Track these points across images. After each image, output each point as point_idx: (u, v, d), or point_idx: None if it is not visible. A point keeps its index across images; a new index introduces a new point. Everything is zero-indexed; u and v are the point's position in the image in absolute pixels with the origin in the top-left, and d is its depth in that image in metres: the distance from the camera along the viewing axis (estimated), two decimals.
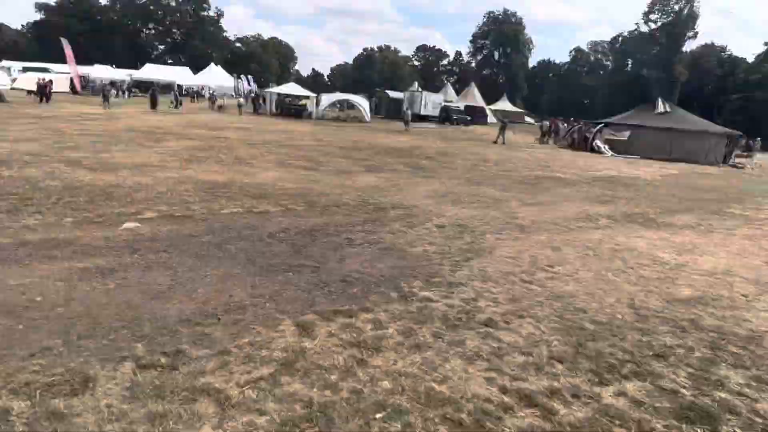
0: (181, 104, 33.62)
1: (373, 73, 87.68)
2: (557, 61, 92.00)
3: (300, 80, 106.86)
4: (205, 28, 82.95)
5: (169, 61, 77.88)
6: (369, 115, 36.00)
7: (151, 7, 79.74)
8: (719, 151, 23.31)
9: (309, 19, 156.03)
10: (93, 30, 77.90)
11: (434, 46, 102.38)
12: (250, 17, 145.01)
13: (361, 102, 36.94)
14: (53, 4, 79.15)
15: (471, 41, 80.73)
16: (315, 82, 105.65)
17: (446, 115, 42.09)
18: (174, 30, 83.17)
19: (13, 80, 38.44)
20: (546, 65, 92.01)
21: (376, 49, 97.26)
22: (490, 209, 7.94)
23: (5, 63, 53.63)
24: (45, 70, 46.56)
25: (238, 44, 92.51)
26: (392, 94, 45.77)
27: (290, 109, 33.70)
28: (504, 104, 59.90)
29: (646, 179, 14.47)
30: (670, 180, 14.89)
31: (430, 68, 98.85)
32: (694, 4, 63.73)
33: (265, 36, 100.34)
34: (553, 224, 7.22)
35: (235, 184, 8.08)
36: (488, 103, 58.34)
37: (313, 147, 15.35)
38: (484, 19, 77.62)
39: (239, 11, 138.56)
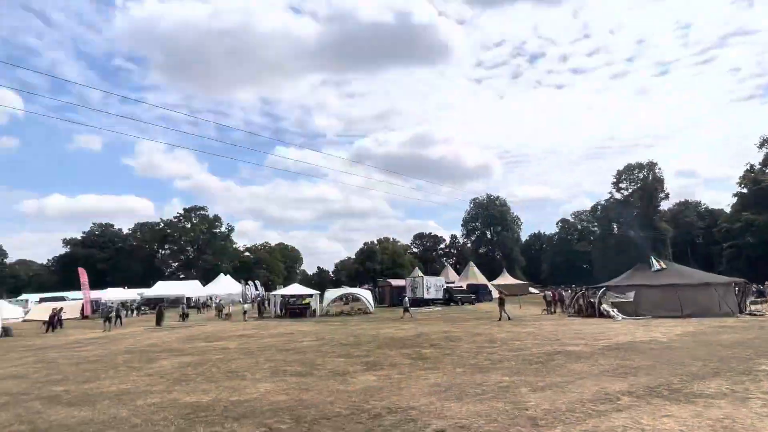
0: (187, 317, 34.02)
1: (376, 264, 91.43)
2: (547, 233, 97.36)
3: (306, 279, 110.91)
4: (217, 243, 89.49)
5: (182, 276, 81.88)
6: (373, 305, 36.15)
7: (168, 230, 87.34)
8: (731, 301, 22.66)
9: (313, 224, 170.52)
10: (113, 256, 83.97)
11: (430, 233, 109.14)
12: (259, 228, 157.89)
13: (364, 294, 37.53)
14: (79, 238, 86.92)
15: (463, 225, 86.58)
16: (320, 279, 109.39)
17: (450, 296, 42.33)
18: (188, 248, 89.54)
19: (26, 312, 39.64)
20: (537, 237, 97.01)
21: (376, 242, 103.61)
22: (498, 401, 7.22)
23: (23, 296, 56.18)
24: (61, 298, 48.54)
25: (246, 253, 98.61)
26: (395, 282, 46.82)
27: (295, 310, 34.01)
28: (505, 279, 60.93)
29: (663, 341, 13.66)
30: (688, 339, 14.04)
31: (429, 253, 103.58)
32: (656, 171, 70.53)
33: (273, 243, 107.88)
34: (569, 412, 6.46)
35: (219, 405, 7.50)
36: (490, 279, 59.38)
37: (313, 347, 14.89)
38: (471, 205, 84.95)
39: (249, 224, 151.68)
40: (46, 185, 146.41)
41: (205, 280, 71.06)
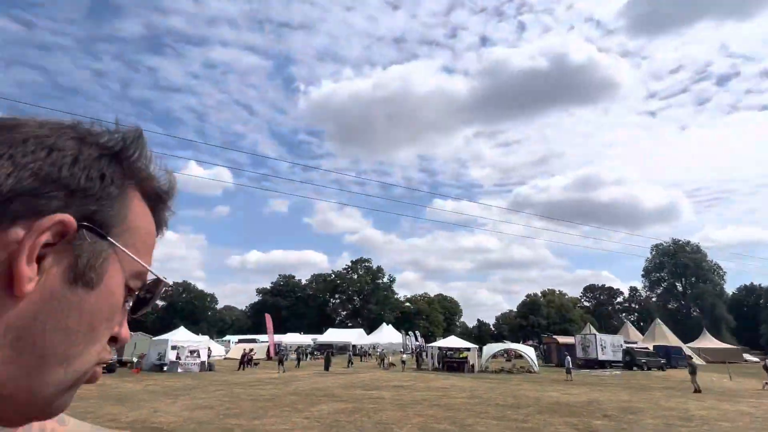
0: (352, 363, 35.93)
1: (540, 319, 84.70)
2: (764, 284, 78.01)
3: (466, 331, 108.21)
4: (380, 293, 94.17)
5: (349, 324, 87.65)
6: (536, 364, 33.12)
7: (338, 281, 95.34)
8: None
9: (472, 274, 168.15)
10: (294, 304, 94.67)
11: (603, 285, 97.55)
12: (419, 279, 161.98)
13: (526, 350, 34.74)
14: (268, 287, 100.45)
15: (644, 275, 75.21)
16: (480, 332, 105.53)
17: (631, 359, 36.42)
18: (354, 297, 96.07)
19: (227, 351, 46.79)
20: (750, 291, 78.38)
21: (540, 294, 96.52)
22: None
23: (227, 337, 66.50)
24: (253, 340, 56.04)
25: (407, 303, 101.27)
26: (562, 339, 42.46)
27: (452, 363, 33.18)
28: (707, 341, 50.14)
29: None
30: None
31: (604, 308, 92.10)
32: None
33: (432, 294, 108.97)
34: None
35: None
36: (684, 341, 49.67)
37: (466, 405, 14.10)
38: (653, 252, 73.56)
39: (410, 276, 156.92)
40: (248, 243, 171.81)
41: (369, 328, 74.76)
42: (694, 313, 64.87)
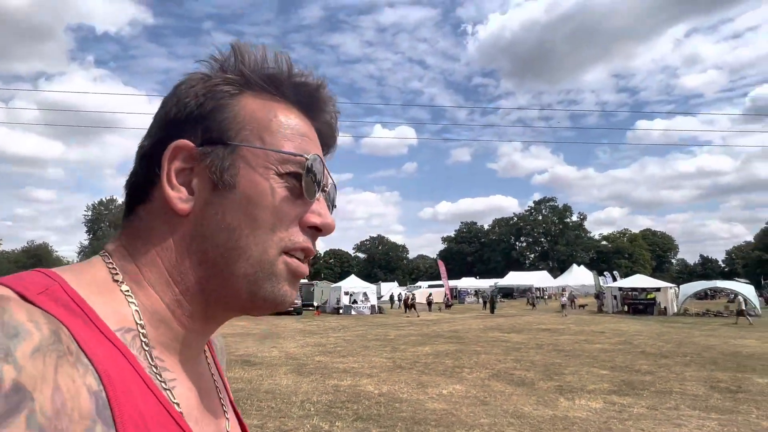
0: (534, 306, 34.27)
1: None
2: None
3: (684, 270, 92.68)
4: (569, 233, 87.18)
5: (541, 266, 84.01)
6: (758, 306, 26.21)
7: (521, 224, 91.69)
8: None
9: (697, 204, 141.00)
10: (478, 250, 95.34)
11: None
12: (625, 215, 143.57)
13: (742, 289, 27.73)
14: (453, 235, 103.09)
15: None
16: (704, 270, 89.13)
17: None
18: (541, 239, 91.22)
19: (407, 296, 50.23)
20: None
21: None
22: None
23: (419, 283, 71.29)
24: (440, 286, 58.76)
25: (603, 242, 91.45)
26: None
27: (637, 305, 28.87)
28: None
29: None
30: None
31: None
32: None
33: (637, 230, 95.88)
34: None
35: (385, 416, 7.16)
36: None
37: (593, 352, 12.16)
38: None
39: (615, 212, 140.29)
40: (437, 195, 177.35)
41: (560, 271, 70.30)
42: None
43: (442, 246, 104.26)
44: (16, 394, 0.30)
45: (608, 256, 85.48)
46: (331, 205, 0.55)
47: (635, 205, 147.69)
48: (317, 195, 0.50)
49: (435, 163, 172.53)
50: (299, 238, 0.48)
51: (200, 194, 0.47)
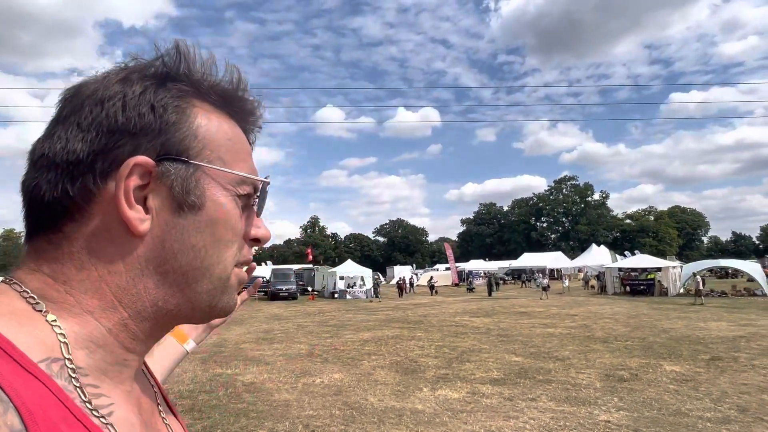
0: (546, 289, 33.31)
1: None
2: None
3: (715, 248, 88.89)
4: (591, 212, 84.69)
5: (563, 246, 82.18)
6: (766, 285, 24.83)
7: (540, 204, 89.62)
8: None
9: (737, 179, 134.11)
10: (497, 231, 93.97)
11: None
12: (660, 192, 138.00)
13: (749, 268, 26.37)
14: (471, 217, 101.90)
15: None
16: (737, 247, 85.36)
17: None
18: (562, 219, 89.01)
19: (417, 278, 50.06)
20: None
21: None
22: None
23: (437, 266, 70.95)
24: (436, 269, 58.13)
25: (628, 220, 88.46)
26: None
27: (636, 286, 27.88)
28: None
29: None
30: None
31: None
32: None
33: (664, 207, 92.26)
34: None
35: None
36: None
37: (542, 338, 11.82)
38: None
39: (648, 189, 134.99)
40: (463, 176, 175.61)
41: (582, 250, 68.44)
42: None
43: (462, 228, 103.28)
44: None
45: (632, 235, 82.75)
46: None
47: (670, 182, 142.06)
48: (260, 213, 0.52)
49: (460, 145, 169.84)
50: (246, 251, 0.50)
51: (160, 214, 0.44)
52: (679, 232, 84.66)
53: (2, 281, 0.43)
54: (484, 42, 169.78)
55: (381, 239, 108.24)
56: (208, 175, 0.46)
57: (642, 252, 65.93)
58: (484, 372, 7.74)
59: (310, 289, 32.54)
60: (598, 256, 60.67)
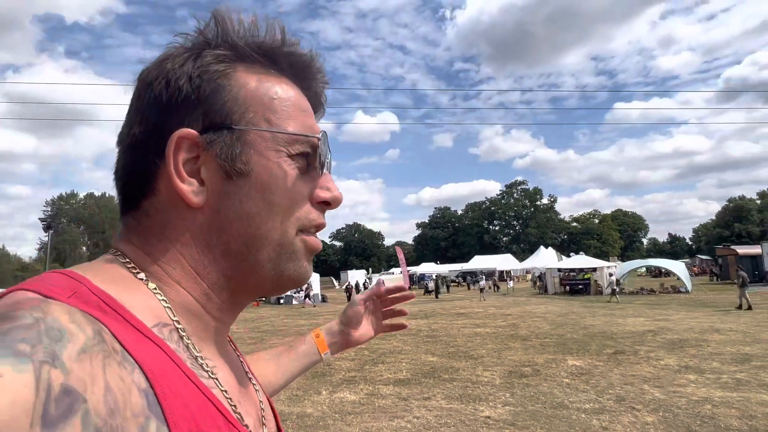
0: (498, 289, 33.92)
1: (750, 226, 67.57)
2: None
3: (654, 249, 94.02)
4: (540, 216, 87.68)
5: (514, 249, 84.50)
6: (688, 282, 26.47)
7: (492, 208, 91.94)
8: None
9: (675, 184, 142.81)
10: (452, 234, 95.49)
11: None
12: (606, 196, 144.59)
13: (674, 267, 28.03)
14: (427, 221, 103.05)
15: None
16: (673, 248, 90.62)
17: None
18: (513, 222, 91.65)
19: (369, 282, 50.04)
20: None
21: (756, 195, 76.57)
22: None
23: (393, 270, 71.00)
24: (392, 273, 58.42)
25: (574, 224, 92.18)
26: (742, 250, 33.00)
27: (576, 285, 29.00)
28: None
29: None
30: None
31: None
32: None
33: (608, 211, 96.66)
34: None
35: None
36: None
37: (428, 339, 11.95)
38: None
39: (596, 193, 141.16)
40: (421, 181, 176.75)
41: (531, 252, 70.55)
42: None
43: (417, 232, 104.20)
44: (67, 397, 0.29)
45: (578, 238, 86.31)
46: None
47: (615, 186, 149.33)
48: (324, 170, 0.50)
49: (418, 149, 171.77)
50: (313, 215, 0.48)
51: (212, 184, 0.45)
52: (621, 234, 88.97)
53: (110, 252, 0.46)
54: (441, 49, 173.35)
55: (338, 244, 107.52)
56: (253, 138, 0.45)
57: (587, 253, 68.92)
58: (392, 373, 7.72)
59: None
60: (545, 258, 62.86)
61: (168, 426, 0.35)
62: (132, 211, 0.46)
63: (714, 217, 78.40)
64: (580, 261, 32.01)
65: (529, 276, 54.75)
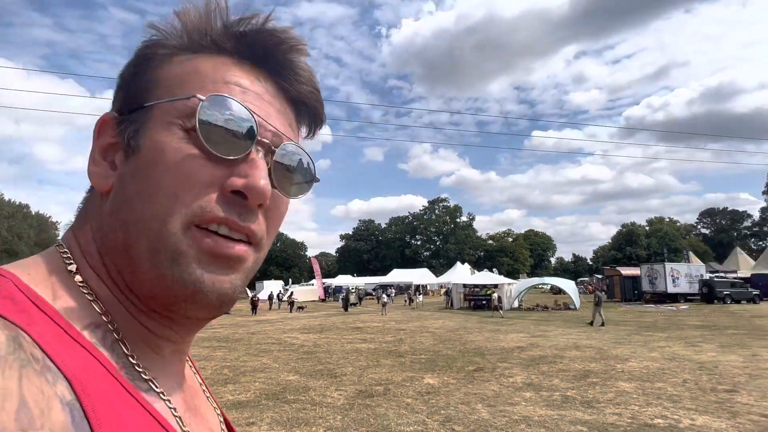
0: (412, 302, 33.99)
1: (639, 250, 74.83)
2: None
3: (561, 267, 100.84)
4: (459, 232, 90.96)
5: (434, 263, 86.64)
6: (577, 300, 28.50)
7: (415, 223, 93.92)
8: None
9: (582, 208, 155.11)
10: (375, 247, 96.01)
11: (725, 208, 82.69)
12: (523, 216, 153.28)
13: (566, 285, 30.10)
14: (351, 233, 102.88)
15: (766, 191, 61.10)
16: (576, 267, 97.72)
17: (709, 291, 29.70)
18: (434, 238, 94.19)
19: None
20: None
21: (646, 222, 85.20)
22: None
23: (312, 281, 69.34)
24: (312, 284, 56.93)
25: (490, 241, 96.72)
26: (626, 270, 36.31)
27: (479, 301, 30.07)
28: None
29: None
30: None
31: (726, 234, 78.35)
32: None
33: (523, 230, 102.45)
34: None
35: None
36: None
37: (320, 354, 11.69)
38: None
39: (514, 213, 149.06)
40: (350, 193, 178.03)
41: (450, 267, 72.71)
42: None
43: (341, 243, 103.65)
44: None
45: (493, 255, 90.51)
46: (292, 171, 0.43)
47: (531, 208, 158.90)
48: (249, 151, 0.39)
49: (349, 162, 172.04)
50: (210, 205, 0.38)
51: (119, 167, 0.40)
52: (531, 252, 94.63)
53: (55, 245, 0.42)
54: (376, 65, 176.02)
55: None
56: (154, 114, 0.40)
57: (500, 270, 72.31)
58: (237, 394, 7.25)
59: None
60: (461, 274, 65.03)
61: None
62: (84, 199, 0.44)
63: (610, 240, 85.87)
64: (483, 277, 33.40)
65: (443, 290, 56.25)
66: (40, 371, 0.30)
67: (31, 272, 0.37)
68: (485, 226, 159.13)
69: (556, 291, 53.45)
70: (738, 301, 28.86)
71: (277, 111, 0.43)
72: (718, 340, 12.94)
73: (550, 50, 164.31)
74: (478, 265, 76.31)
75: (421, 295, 38.13)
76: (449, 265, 79.25)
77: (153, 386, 0.38)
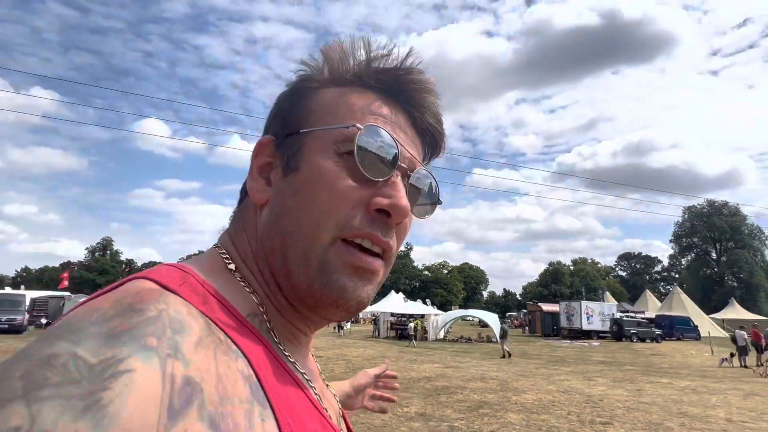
0: (342, 328, 33.33)
1: (563, 287, 78.98)
2: None
3: (492, 301, 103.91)
4: (396, 261, 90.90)
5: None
6: (498, 333, 29.29)
7: None
8: None
9: (516, 245, 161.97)
10: None
11: (640, 253, 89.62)
12: (461, 250, 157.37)
13: (489, 318, 30.93)
14: None
15: (673, 240, 67.08)
16: (507, 301, 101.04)
17: (619, 329, 31.65)
18: None
19: None
20: None
21: (571, 262, 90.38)
22: None
23: None
24: None
25: (426, 272, 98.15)
26: (547, 306, 38.04)
27: (404, 331, 30.13)
28: (735, 311, 43.45)
29: None
30: None
31: (639, 277, 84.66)
32: None
33: (459, 263, 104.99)
34: None
35: None
36: (710, 312, 43.77)
37: None
38: (685, 216, 64.65)
39: (452, 246, 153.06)
40: None
41: (383, 295, 72.63)
42: (731, 282, 56.83)
43: None
44: (187, 387, 0.31)
45: (428, 285, 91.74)
46: (421, 194, 0.51)
47: (468, 242, 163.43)
48: (391, 175, 0.45)
49: None
50: (358, 222, 0.44)
51: (275, 183, 0.48)
52: (465, 285, 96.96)
53: (214, 244, 0.50)
54: None
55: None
56: (310, 139, 0.47)
57: (433, 300, 73.11)
58: None
59: (44, 321, 26.64)
60: (394, 303, 64.96)
61: (273, 411, 0.36)
62: (237, 206, 0.53)
63: (538, 277, 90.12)
64: (410, 307, 33.66)
65: (372, 319, 55.96)
66: (226, 351, 0.37)
67: (203, 267, 0.44)
68: (423, 257, 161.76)
69: (483, 324, 55.07)
70: (643, 340, 30.89)
71: (411, 139, 0.50)
72: (613, 375, 13.69)
73: (493, 95, 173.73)
74: (412, 295, 76.79)
75: (349, 323, 37.54)
76: (383, 293, 79.51)
77: (298, 368, 0.45)
